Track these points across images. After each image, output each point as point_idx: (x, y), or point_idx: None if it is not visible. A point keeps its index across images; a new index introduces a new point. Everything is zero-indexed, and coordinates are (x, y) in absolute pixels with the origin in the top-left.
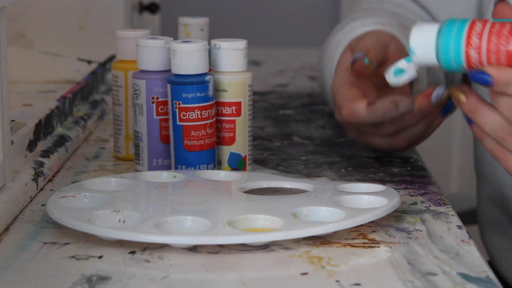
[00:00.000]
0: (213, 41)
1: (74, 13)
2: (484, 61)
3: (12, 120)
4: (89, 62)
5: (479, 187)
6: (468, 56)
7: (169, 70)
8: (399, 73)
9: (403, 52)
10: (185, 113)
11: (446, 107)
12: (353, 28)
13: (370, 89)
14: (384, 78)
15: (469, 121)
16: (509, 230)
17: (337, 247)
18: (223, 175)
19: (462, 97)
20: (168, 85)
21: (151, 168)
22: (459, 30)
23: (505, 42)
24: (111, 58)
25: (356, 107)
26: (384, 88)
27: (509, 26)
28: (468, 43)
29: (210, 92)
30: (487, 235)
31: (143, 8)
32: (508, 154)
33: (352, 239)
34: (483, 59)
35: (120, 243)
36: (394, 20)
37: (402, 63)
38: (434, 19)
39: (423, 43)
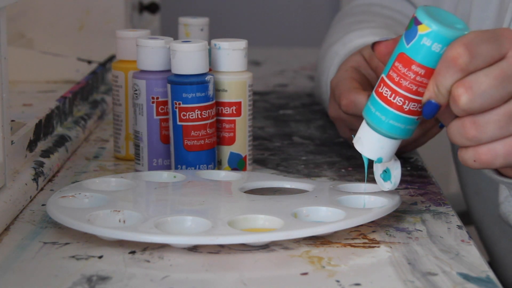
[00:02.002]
0: (213, 41)
1: (74, 13)
2: (413, 96)
3: (12, 120)
4: (89, 62)
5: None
6: (402, 108)
7: (169, 70)
8: (386, 175)
9: None
10: (185, 113)
11: None
12: (351, 40)
13: (370, 89)
14: None
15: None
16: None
17: (337, 247)
18: (223, 175)
19: None
20: (168, 85)
21: (151, 168)
22: (378, 107)
23: (407, 72)
24: (111, 58)
25: (358, 97)
26: None
27: (395, 64)
28: (392, 104)
29: (210, 92)
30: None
31: (143, 8)
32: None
33: (352, 239)
34: (412, 96)
35: (120, 243)
36: (390, 30)
37: (380, 167)
38: None
39: (374, 146)
